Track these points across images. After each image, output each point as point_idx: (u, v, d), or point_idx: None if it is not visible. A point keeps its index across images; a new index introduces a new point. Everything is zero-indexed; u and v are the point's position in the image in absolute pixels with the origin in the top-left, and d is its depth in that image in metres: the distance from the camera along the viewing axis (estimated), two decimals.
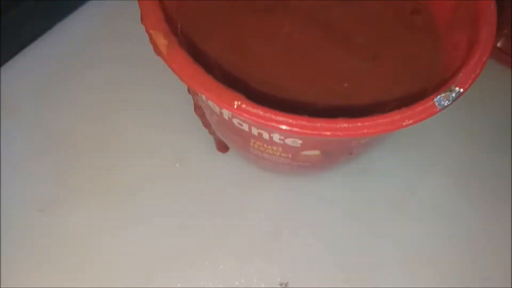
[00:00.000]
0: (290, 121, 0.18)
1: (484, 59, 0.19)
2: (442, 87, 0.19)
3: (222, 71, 0.23)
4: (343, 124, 0.18)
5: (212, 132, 0.28)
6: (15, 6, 0.31)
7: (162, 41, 0.19)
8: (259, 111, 0.18)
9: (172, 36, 0.19)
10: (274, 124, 0.18)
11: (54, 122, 0.31)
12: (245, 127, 0.21)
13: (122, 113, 0.31)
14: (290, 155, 0.23)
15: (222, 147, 0.30)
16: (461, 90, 0.19)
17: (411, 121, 0.18)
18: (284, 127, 0.18)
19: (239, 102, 0.18)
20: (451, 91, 0.18)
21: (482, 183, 0.30)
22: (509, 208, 0.29)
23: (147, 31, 0.19)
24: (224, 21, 0.24)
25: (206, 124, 0.27)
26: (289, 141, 0.21)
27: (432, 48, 0.24)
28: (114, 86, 0.32)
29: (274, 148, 0.22)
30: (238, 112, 0.18)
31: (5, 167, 0.29)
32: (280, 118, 0.18)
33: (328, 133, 0.18)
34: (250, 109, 0.18)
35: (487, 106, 0.33)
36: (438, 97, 0.18)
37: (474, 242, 0.29)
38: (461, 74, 0.19)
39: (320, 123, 0.18)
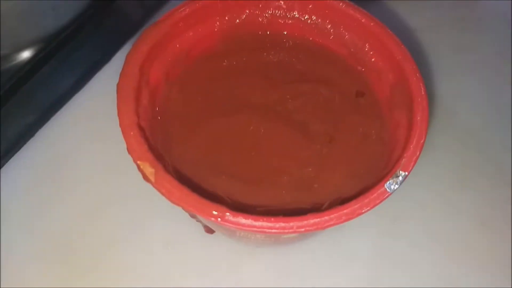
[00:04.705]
0: (269, 224, 0.21)
1: (422, 141, 0.23)
2: (389, 173, 0.22)
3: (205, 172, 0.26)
4: (313, 220, 0.21)
5: (199, 220, 0.31)
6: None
7: (149, 170, 0.22)
8: (241, 219, 0.21)
9: (157, 163, 0.22)
10: (255, 229, 0.21)
11: (49, 226, 0.33)
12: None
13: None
14: (273, 239, 0.26)
15: (209, 230, 0.33)
16: (406, 173, 0.22)
17: (368, 208, 0.21)
18: (264, 229, 0.21)
19: (223, 215, 0.21)
20: (397, 176, 0.22)
21: None
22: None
23: (134, 161, 0.22)
24: (198, 126, 0.27)
25: (193, 216, 0.30)
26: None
27: (379, 127, 0.27)
28: (101, 183, 0.35)
29: (258, 236, 0.25)
30: (224, 223, 0.21)
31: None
32: (259, 223, 0.21)
33: (302, 229, 0.21)
34: (233, 219, 0.21)
35: None
36: (388, 182, 0.22)
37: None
38: (403, 159, 0.22)
39: (294, 222, 0.21)
